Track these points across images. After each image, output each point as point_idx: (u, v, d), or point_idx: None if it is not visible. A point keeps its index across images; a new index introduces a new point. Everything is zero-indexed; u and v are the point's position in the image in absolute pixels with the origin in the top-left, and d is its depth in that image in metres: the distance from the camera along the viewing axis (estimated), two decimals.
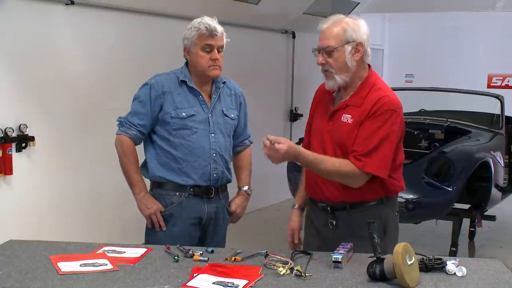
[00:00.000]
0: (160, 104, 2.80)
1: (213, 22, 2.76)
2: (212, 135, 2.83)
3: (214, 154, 2.83)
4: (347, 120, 2.46)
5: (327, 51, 2.44)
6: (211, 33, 2.74)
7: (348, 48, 2.43)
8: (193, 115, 2.81)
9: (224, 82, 2.93)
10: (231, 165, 2.98)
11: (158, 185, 2.86)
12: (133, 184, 2.83)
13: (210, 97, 2.87)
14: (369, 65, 2.55)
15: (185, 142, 2.79)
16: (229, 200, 3.02)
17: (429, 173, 4.71)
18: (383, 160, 2.42)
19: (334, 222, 2.55)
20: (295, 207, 2.79)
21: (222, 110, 2.89)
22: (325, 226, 2.58)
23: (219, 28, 2.77)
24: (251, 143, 3.13)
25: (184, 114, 2.79)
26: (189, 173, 2.80)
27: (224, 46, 2.82)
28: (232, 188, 3.02)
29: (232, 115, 2.93)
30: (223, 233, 2.99)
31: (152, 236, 2.85)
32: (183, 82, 2.83)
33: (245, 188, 3.05)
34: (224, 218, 2.97)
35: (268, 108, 7.12)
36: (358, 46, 2.44)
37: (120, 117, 2.87)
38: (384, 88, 2.51)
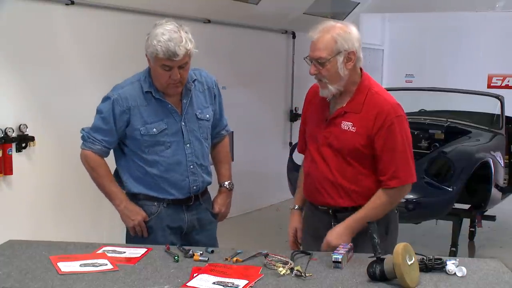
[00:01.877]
0: (127, 120, 2.60)
1: (173, 44, 2.43)
2: (188, 145, 2.65)
3: (191, 166, 2.66)
4: (348, 128, 2.46)
5: (319, 62, 2.42)
6: (169, 57, 2.45)
7: (340, 58, 2.40)
8: (164, 129, 2.61)
9: (195, 80, 2.70)
10: (210, 166, 2.82)
11: (134, 196, 2.70)
12: (111, 197, 2.68)
13: (180, 100, 2.65)
14: (360, 68, 2.53)
15: (159, 159, 2.62)
16: (212, 200, 2.87)
17: (429, 173, 4.71)
18: (410, 166, 2.49)
19: (336, 225, 2.54)
20: (295, 207, 2.77)
21: (196, 114, 2.68)
22: (328, 229, 2.56)
23: (180, 51, 2.43)
24: (228, 132, 2.94)
25: (154, 130, 2.59)
26: (167, 188, 2.65)
27: (192, 57, 2.53)
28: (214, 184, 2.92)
29: (207, 115, 2.72)
30: (213, 236, 2.84)
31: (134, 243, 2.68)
32: (149, 92, 2.61)
33: (226, 184, 2.88)
34: (212, 222, 2.84)
35: (268, 108, 7.12)
36: (350, 55, 2.42)
37: (83, 129, 2.69)
38: (381, 92, 2.51)
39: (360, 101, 2.47)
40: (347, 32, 2.42)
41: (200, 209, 2.77)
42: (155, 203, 2.68)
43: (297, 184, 2.82)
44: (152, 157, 2.63)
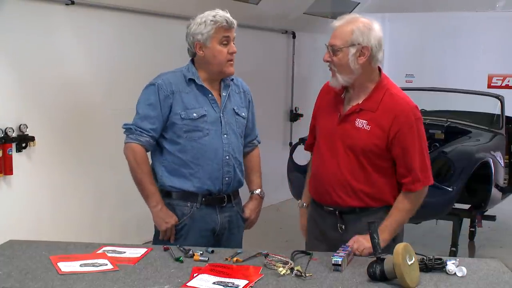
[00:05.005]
0: (170, 105, 2.63)
1: (228, 15, 2.64)
2: (225, 136, 2.68)
3: (227, 157, 2.67)
4: (363, 126, 2.45)
5: (333, 50, 2.43)
6: (230, 25, 2.61)
7: (352, 50, 2.39)
8: (204, 115, 2.64)
9: (232, 80, 2.78)
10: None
11: (167, 194, 2.69)
12: (149, 196, 2.65)
13: (219, 95, 2.72)
14: (379, 68, 2.52)
15: (196, 145, 2.63)
16: (242, 205, 2.87)
17: None
18: (429, 169, 2.50)
19: (343, 226, 2.54)
20: (304, 206, 2.79)
21: (233, 109, 2.73)
22: (334, 230, 2.56)
23: (235, 21, 2.66)
24: (259, 143, 2.99)
25: (195, 114, 2.63)
26: (202, 178, 2.64)
27: None
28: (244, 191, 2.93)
29: (243, 113, 2.78)
30: (238, 240, 2.81)
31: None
32: (191, 80, 2.67)
33: (258, 191, 2.91)
34: (239, 226, 2.83)
35: (268, 108, 7.11)
36: (363, 50, 2.40)
37: (126, 124, 2.67)
38: (399, 93, 2.51)
39: (377, 100, 2.46)
40: (367, 28, 2.41)
41: (232, 211, 2.78)
42: (188, 204, 2.67)
43: (306, 181, 2.80)
44: (190, 143, 2.64)
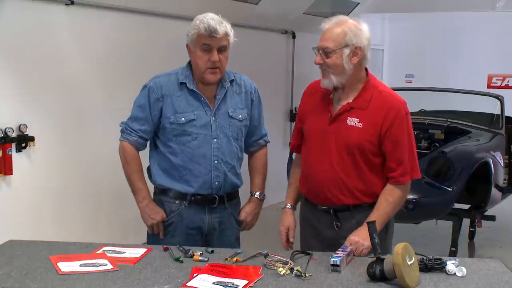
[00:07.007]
0: (160, 108, 2.65)
1: (214, 22, 2.55)
2: (215, 140, 2.66)
3: (216, 161, 2.66)
4: (355, 124, 2.47)
5: (325, 52, 2.44)
6: (210, 34, 2.54)
7: (346, 51, 2.42)
8: (193, 119, 2.64)
9: (232, 80, 2.74)
10: (240, 169, 2.80)
11: (160, 191, 2.74)
12: (136, 192, 2.72)
13: (215, 97, 2.69)
14: (366, 69, 2.55)
15: (185, 149, 2.65)
16: (240, 207, 2.86)
17: (429, 173, 4.70)
18: (416, 161, 2.55)
19: (338, 224, 2.55)
20: (287, 206, 2.75)
21: (228, 112, 2.70)
22: (329, 228, 2.57)
23: (221, 29, 2.56)
24: (266, 142, 2.95)
25: (183, 119, 2.63)
26: (190, 181, 2.66)
27: (230, 45, 2.64)
28: (246, 187, 2.91)
29: (240, 116, 2.73)
30: (231, 242, 2.77)
31: (153, 243, 2.69)
32: (183, 83, 2.66)
33: (257, 194, 2.88)
34: (232, 228, 2.80)
35: (268, 108, 7.04)
36: (356, 50, 2.43)
37: (122, 123, 2.75)
38: (388, 90, 2.55)
39: (366, 98, 2.49)
40: (358, 28, 2.44)
41: (224, 213, 2.76)
42: (177, 202, 2.69)
43: (289, 182, 2.81)
44: (179, 146, 2.66)
